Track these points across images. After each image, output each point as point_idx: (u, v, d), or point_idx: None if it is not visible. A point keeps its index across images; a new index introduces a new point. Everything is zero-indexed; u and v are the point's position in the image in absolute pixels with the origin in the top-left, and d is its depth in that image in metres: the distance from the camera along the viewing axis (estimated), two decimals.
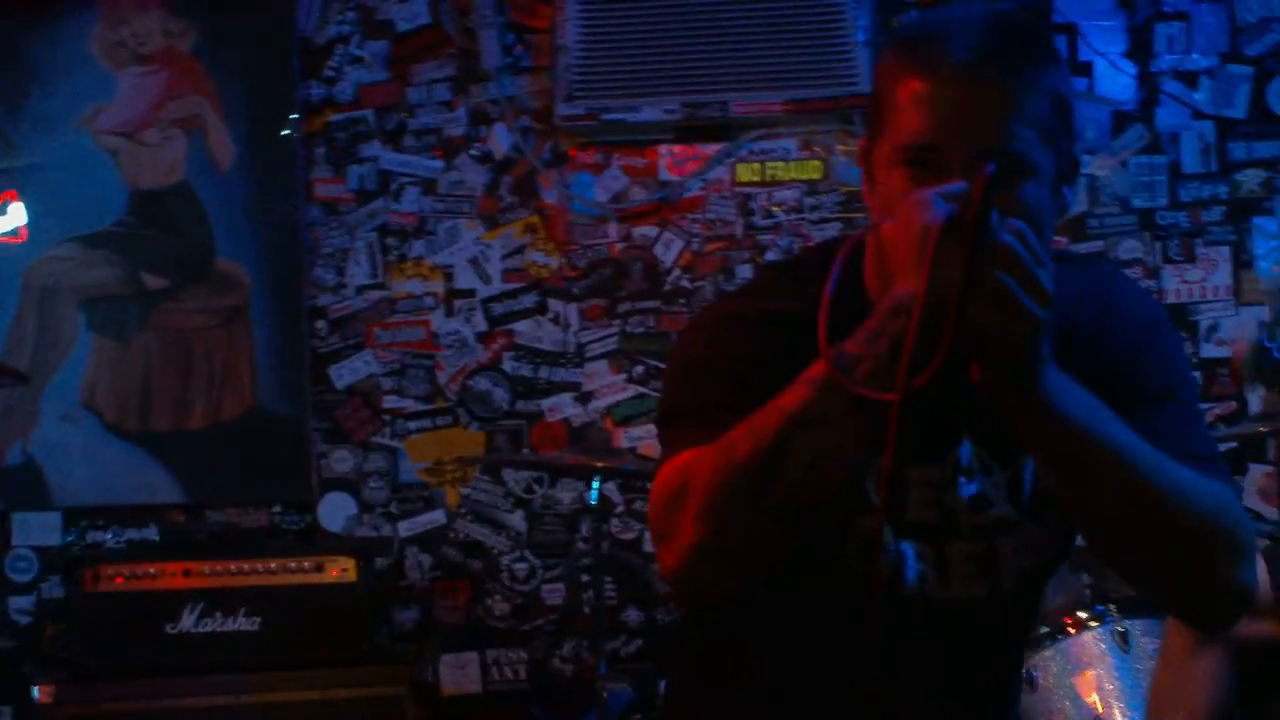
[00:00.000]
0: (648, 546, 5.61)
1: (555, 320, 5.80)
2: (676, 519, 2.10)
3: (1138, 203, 5.67)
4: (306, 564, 5.34)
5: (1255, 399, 5.55)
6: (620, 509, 5.73)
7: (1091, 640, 4.66)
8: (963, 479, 2.25)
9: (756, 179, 5.75)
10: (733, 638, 2.39)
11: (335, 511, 5.85)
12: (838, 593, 2.26)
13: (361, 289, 5.87)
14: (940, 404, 2.09)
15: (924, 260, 1.94)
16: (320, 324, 5.86)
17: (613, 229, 5.80)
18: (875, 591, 2.17)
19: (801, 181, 5.74)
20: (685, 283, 5.76)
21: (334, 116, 5.88)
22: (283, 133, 5.81)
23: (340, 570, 5.34)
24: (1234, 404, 5.62)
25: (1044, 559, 2.33)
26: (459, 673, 5.80)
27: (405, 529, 5.84)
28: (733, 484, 2.06)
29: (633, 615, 5.70)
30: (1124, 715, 4.51)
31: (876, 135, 2.21)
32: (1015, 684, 2.47)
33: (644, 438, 5.68)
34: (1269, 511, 5.55)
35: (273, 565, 5.32)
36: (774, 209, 5.74)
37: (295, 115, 5.82)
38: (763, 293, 2.35)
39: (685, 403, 2.26)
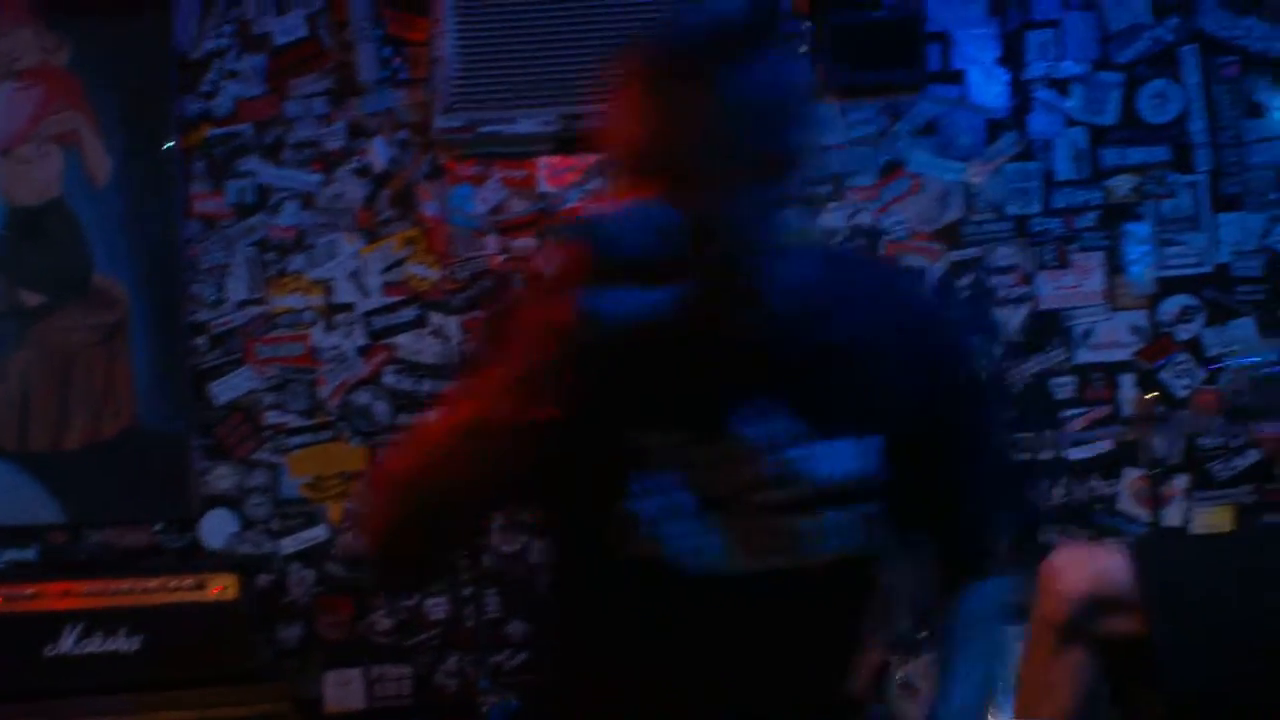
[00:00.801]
0: (531, 559, 5.60)
1: (436, 333, 5.79)
2: (364, 515, 2.25)
3: (1012, 209, 5.72)
4: (187, 582, 5.29)
5: (1126, 403, 5.62)
6: (502, 522, 5.72)
7: None
8: (750, 458, 2.25)
9: None
10: (559, 619, 2.45)
11: (217, 529, 5.81)
12: (628, 573, 2.27)
13: (241, 304, 5.83)
14: (720, 388, 2.22)
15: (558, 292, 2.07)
16: (200, 340, 5.82)
17: (492, 241, 5.80)
18: (650, 570, 2.23)
19: None
20: None
21: (212, 131, 5.84)
22: (165, 146, 5.77)
23: (221, 588, 5.30)
24: (1108, 408, 5.68)
25: (842, 547, 2.31)
26: (343, 689, 5.77)
27: (287, 545, 5.81)
28: (409, 486, 2.18)
29: (516, 629, 5.68)
30: (998, 717, 4.55)
31: (612, 144, 2.27)
32: (841, 673, 2.43)
33: None
34: (1141, 513, 5.61)
35: (153, 584, 5.27)
36: None
37: (173, 130, 5.79)
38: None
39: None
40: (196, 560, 5.73)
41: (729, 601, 2.26)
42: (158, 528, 5.81)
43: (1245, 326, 5.59)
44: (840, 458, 2.26)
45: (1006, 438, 2.45)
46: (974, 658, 2.53)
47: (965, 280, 5.68)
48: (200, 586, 5.29)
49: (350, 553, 5.74)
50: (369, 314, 5.81)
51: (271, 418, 5.82)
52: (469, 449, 2.13)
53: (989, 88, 5.71)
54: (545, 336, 2.08)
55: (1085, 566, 3.83)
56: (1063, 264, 5.71)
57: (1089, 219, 5.71)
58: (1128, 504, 5.69)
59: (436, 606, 5.74)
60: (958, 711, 2.47)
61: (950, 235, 5.72)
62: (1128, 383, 5.68)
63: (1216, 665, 3.69)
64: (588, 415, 2.15)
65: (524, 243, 5.77)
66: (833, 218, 5.72)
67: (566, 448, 2.18)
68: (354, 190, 5.82)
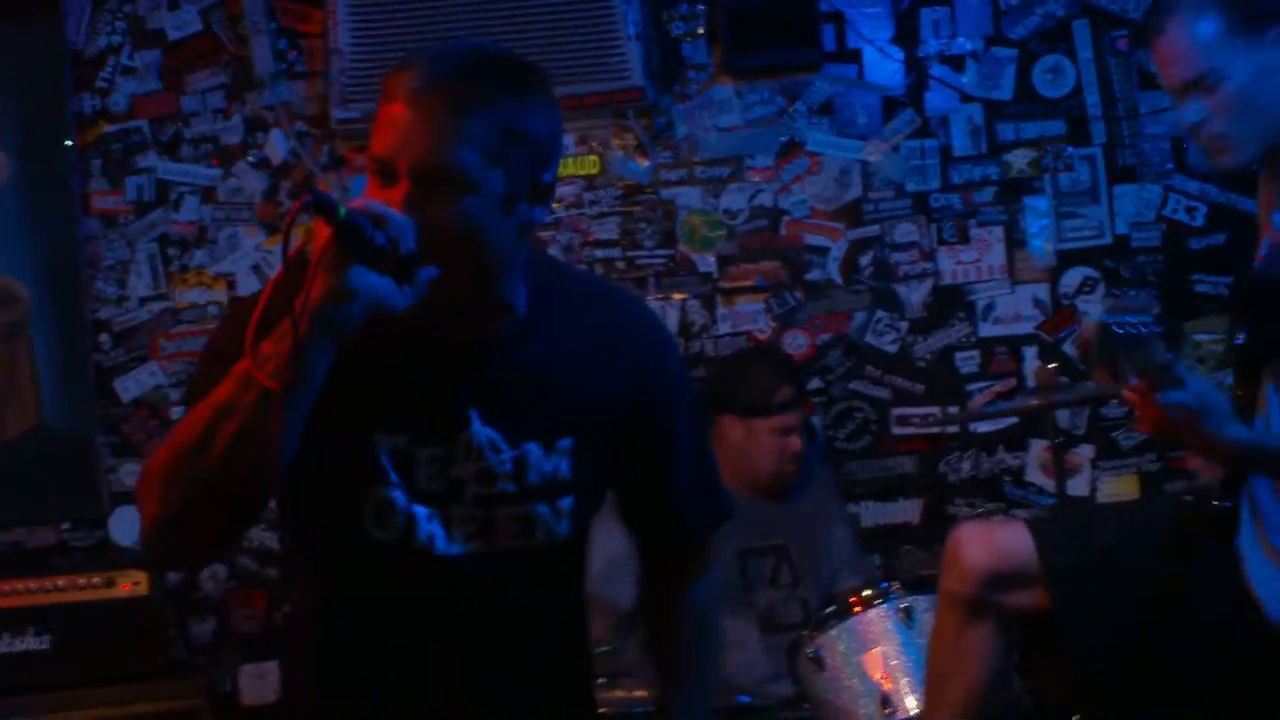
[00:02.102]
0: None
1: None
2: (140, 493, 2.43)
3: (911, 186, 5.75)
4: (97, 580, 5.29)
5: (1031, 375, 5.66)
6: None
7: (877, 617, 4.73)
8: (474, 456, 2.58)
9: None
10: (305, 601, 2.74)
11: (127, 526, 5.79)
12: (368, 554, 2.59)
13: (144, 300, 5.82)
14: (450, 393, 2.56)
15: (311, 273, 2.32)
16: (104, 337, 5.81)
17: None
18: (393, 552, 2.57)
19: (579, 177, 5.77)
20: None
21: (109, 128, 5.82)
22: (64, 144, 5.74)
23: (132, 584, 5.29)
24: (1013, 381, 5.72)
25: (549, 535, 2.65)
26: (259, 682, 5.77)
27: None
28: (171, 465, 2.38)
29: None
30: (911, 690, 4.57)
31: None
32: (562, 644, 2.80)
33: None
34: (1048, 484, 5.66)
35: (61, 583, 5.27)
36: (553, 205, 5.75)
37: (70, 128, 5.76)
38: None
39: (189, 391, 2.60)
40: (106, 558, 5.71)
41: (458, 578, 2.60)
42: (66, 526, 5.80)
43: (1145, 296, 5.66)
44: (538, 460, 2.62)
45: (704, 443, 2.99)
46: (706, 649, 3.01)
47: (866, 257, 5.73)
48: (110, 584, 5.29)
49: (262, 548, 5.74)
50: None
51: (178, 413, 5.78)
52: (226, 425, 2.32)
53: (885, 66, 5.73)
54: (292, 312, 2.29)
55: (987, 542, 3.85)
56: (963, 239, 5.74)
57: (987, 194, 5.74)
58: (1035, 475, 5.73)
59: None
60: (697, 701, 2.94)
61: (850, 213, 5.75)
62: (1031, 355, 5.72)
63: (1116, 632, 3.73)
64: (334, 413, 2.42)
65: None
66: (733, 198, 5.74)
67: (315, 443, 2.41)
68: (254, 183, 5.81)
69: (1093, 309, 3.10)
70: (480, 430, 2.57)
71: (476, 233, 2.46)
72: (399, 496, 2.56)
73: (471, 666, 2.67)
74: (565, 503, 2.66)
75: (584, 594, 2.87)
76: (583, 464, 2.65)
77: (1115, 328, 3.03)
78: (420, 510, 2.57)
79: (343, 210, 2.29)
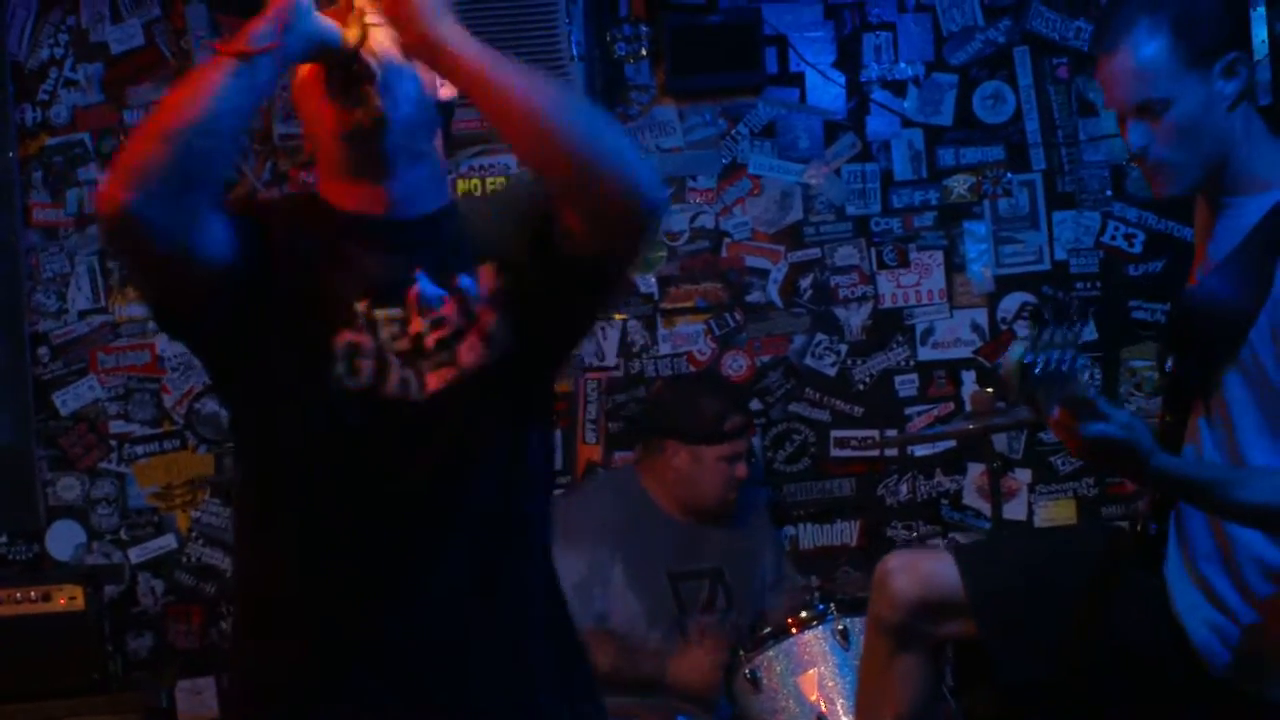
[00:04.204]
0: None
1: None
2: (112, 169, 2.49)
3: (851, 210, 5.77)
4: (33, 594, 5.28)
5: (969, 400, 5.67)
6: None
7: (814, 639, 4.75)
8: (423, 310, 2.68)
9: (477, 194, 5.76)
10: (258, 471, 2.77)
11: (63, 540, 5.78)
12: (332, 401, 2.64)
13: (84, 314, 5.81)
14: (394, 255, 2.67)
15: None
16: (42, 350, 5.79)
17: None
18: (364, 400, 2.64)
19: None
20: None
21: (50, 140, 5.81)
22: (8, 155, 5.72)
23: (68, 599, 5.29)
24: (951, 405, 5.75)
25: (507, 349, 2.71)
26: (195, 698, 5.75)
27: (136, 555, 5.79)
28: (151, 125, 2.48)
29: None
30: (846, 712, 4.60)
31: None
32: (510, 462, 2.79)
33: None
34: (986, 508, 5.68)
35: None
36: None
37: (11, 140, 5.74)
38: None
39: None
40: (43, 572, 5.70)
41: (425, 419, 2.66)
42: (2, 539, 5.78)
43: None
44: (470, 286, 2.73)
45: None
46: None
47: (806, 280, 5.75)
48: (47, 598, 5.28)
49: (200, 563, 5.73)
50: None
51: (117, 427, 5.80)
52: (221, 79, 2.46)
53: (827, 90, 5.75)
54: None
55: (915, 571, 3.87)
56: (903, 263, 5.77)
57: (928, 218, 5.76)
58: (973, 499, 5.76)
59: None
60: None
61: (791, 236, 5.77)
62: (970, 379, 5.75)
63: (1043, 660, 3.75)
64: (297, 291, 2.62)
65: None
66: (675, 220, 5.76)
67: (281, 314, 2.61)
68: None
69: (1017, 344, 3.10)
70: (428, 288, 2.69)
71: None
72: (368, 342, 2.65)
73: (440, 536, 2.70)
74: (507, 316, 2.72)
75: (549, 481, 3.04)
76: (510, 277, 2.73)
77: (1033, 366, 3.05)
78: (393, 359, 2.66)
79: None
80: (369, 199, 2.68)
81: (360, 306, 2.64)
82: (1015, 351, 3.08)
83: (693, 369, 5.76)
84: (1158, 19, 3.44)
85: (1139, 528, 3.66)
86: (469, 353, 2.69)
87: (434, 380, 2.67)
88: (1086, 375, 3.12)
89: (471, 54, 2.53)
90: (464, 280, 2.70)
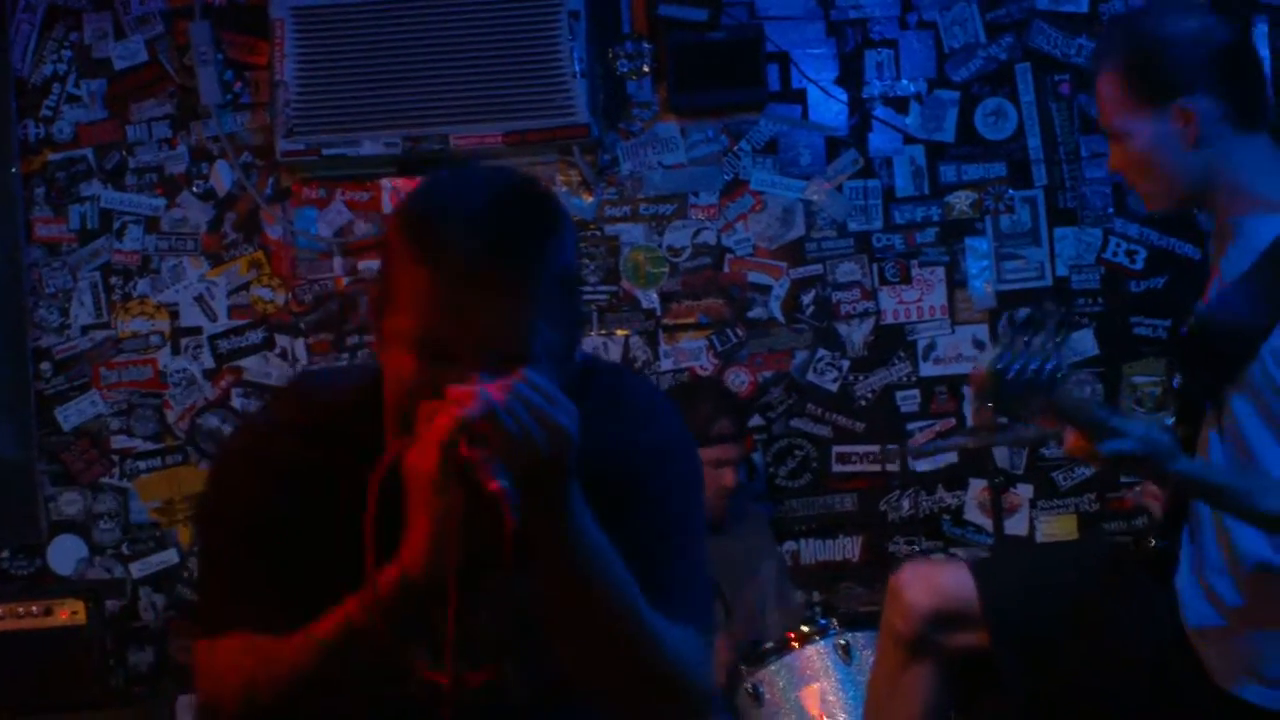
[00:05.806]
0: None
1: (283, 355, 5.79)
2: (240, 704, 2.34)
3: (854, 226, 5.77)
4: (35, 608, 5.27)
5: (971, 415, 5.69)
6: None
7: (815, 654, 4.75)
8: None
9: None
10: None
11: (65, 554, 5.78)
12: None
13: (86, 329, 5.81)
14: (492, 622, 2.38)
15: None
16: (45, 365, 5.80)
17: (338, 263, 5.80)
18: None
19: None
20: None
21: (53, 156, 5.82)
22: (11, 170, 5.72)
23: (70, 613, 5.28)
24: (953, 420, 5.75)
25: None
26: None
27: (138, 570, 5.79)
28: (289, 688, 2.30)
29: None
30: None
31: (386, 301, 2.26)
32: None
33: None
34: (987, 523, 5.69)
35: (0, 611, 5.25)
36: None
37: (13, 155, 5.74)
38: (275, 434, 2.47)
39: (219, 584, 2.45)
40: (45, 586, 5.69)
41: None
42: (4, 554, 5.79)
43: (1084, 339, 5.69)
44: None
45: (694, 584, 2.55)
46: None
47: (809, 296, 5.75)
48: (48, 612, 5.28)
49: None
50: (215, 337, 5.80)
51: (119, 442, 5.80)
52: (336, 660, 2.28)
53: (829, 107, 5.76)
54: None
55: (930, 582, 3.88)
56: (905, 279, 5.77)
57: (929, 235, 5.77)
58: (974, 514, 5.76)
59: None
60: None
61: (793, 252, 5.77)
62: (971, 395, 5.74)
63: (1056, 673, 3.76)
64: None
65: (369, 264, 5.76)
66: (677, 236, 5.76)
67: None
68: (198, 214, 5.80)
69: (991, 350, 3.12)
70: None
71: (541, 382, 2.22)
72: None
73: None
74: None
75: None
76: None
77: (1005, 372, 3.05)
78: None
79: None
80: None
81: None
82: (988, 357, 3.08)
83: None
84: (1116, 56, 3.53)
85: (1144, 543, 3.68)
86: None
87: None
88: (1083, 387, 3.12)
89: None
90: None
